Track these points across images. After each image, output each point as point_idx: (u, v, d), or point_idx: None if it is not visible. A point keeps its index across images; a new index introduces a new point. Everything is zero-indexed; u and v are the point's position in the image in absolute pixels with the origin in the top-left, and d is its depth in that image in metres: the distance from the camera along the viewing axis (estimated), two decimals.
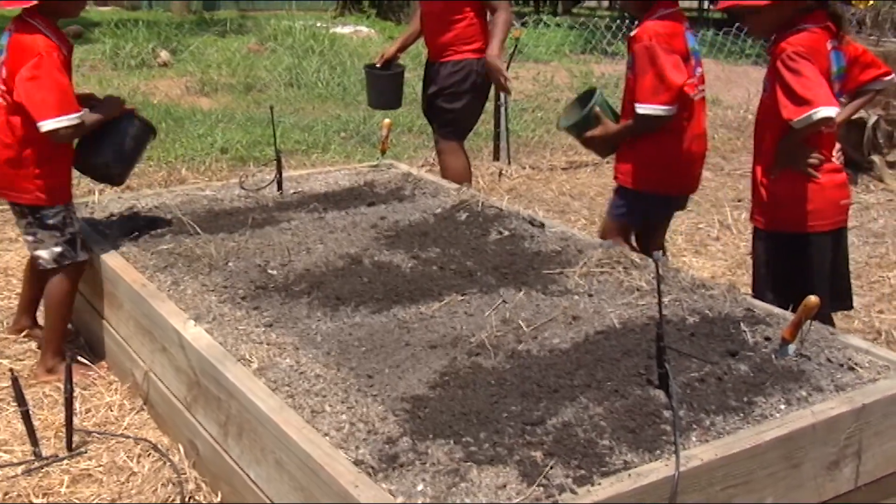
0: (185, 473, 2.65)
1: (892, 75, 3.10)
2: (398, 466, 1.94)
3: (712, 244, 5.05)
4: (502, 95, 6.27)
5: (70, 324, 3.42)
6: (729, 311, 2.72)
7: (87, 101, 3.23)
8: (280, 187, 4.01)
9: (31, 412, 2.76)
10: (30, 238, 3.19)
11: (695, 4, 16.18)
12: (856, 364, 2.42)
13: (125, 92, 8.01)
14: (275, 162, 4.04)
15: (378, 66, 4.89)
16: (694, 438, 2.05)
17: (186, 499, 2.55)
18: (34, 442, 2.75)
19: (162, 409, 2.89)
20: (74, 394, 2.82)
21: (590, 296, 2.86)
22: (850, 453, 2.23)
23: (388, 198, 3.95)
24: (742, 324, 2.62)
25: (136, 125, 3.30)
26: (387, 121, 4.45)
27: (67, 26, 12.22)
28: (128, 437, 2.87)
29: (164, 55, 10.15)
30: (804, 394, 2.25)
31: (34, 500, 2.57)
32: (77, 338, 3.56)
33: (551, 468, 1.91)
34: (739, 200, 5.80)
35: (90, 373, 3.27)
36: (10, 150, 3.07)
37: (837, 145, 3.04)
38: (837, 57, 2.93)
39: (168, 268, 3.10)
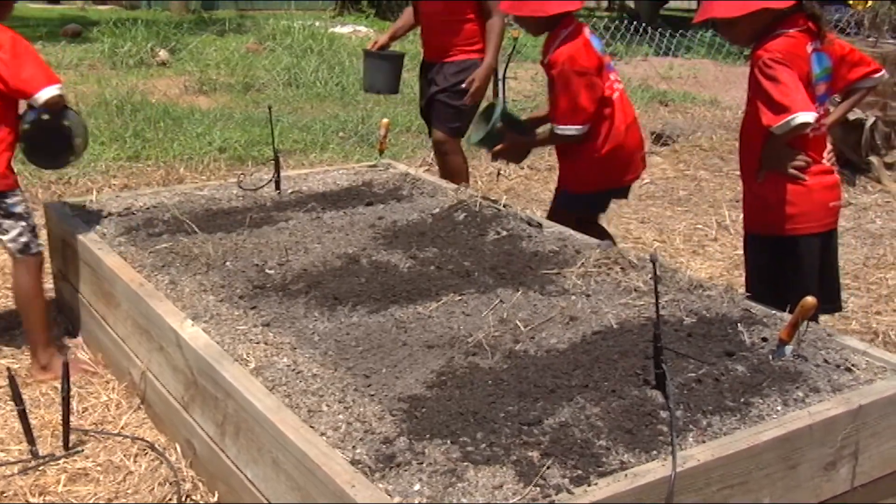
0: (181, 473, 2.65)
1: (882, 72, 3.10)
2: (395, 466, 1.94)
3: (710, 245, 5.06)
4: (501, 95, 6.27)
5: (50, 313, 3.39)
6: (726, 312, 2.72)
7: None
8: (278, 187, 4.01)
9: (27, 411, 2.75)
10: None
11: (694, 5, 16.18)
12: (853, 365, 2.43)
13: (123, 91, 7.99)
14: (273, 161, 4.03)
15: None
16: (691, 439, 2.06)
17: (183, 498, 2.55)
18: (31, 441, 2.75)
19: (159, 409, 2.88)
20: (71, 392, 2.81)
21: (587, 296, 2.86)
22: (847, 454, 2.23)
23: (386, 197, 3.95)
24: (739, 324, 2.62)
25: (74, 117, 3.29)
26: (385, 120, 4.45)
27: (66, 25, 12.25)
28: (125, 436, 2.87)
29: (162, 54, 10.14)
30: (801, 395, 2.26)
31: (31, 500, 2.57)
32: (70, 330, 3.55)
33: (548, 468, 1.91)
34: (737, 201, 5.78)
35: (88, 368, 3.26)
36: None
37: (829, 146, 3.04)
38: (820, 58, 2.93)
39: (166, 267, 3.10)
